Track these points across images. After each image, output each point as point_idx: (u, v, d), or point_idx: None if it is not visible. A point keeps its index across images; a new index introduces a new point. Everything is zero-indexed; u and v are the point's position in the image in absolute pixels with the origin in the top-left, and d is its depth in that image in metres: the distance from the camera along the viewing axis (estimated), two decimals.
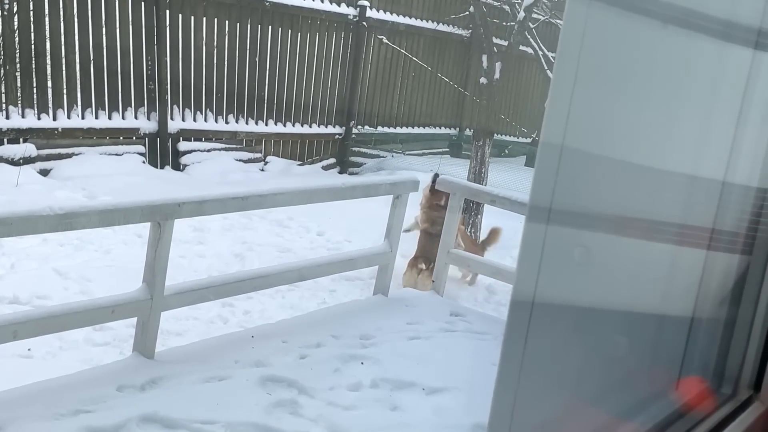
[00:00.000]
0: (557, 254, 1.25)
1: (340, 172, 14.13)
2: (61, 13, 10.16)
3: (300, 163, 13.55)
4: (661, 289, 1.66)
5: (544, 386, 1.37)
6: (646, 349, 1.68)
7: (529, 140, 17.37)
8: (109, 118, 10.93)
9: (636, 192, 1.47)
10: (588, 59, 1.16)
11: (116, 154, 10.94)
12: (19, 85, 9.96)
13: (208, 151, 12.07)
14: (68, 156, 10.42)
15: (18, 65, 9.90)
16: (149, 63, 11.23)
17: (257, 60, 12.65)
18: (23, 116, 10.01)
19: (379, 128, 15.16)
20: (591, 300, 1.43)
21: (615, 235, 1.45)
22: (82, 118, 10.62)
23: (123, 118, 11.09)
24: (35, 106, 10.13)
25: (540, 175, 1.18)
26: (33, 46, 9.97)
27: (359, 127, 14.63)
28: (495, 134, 13.33)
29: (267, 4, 12.51)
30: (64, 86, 10.42)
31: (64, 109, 10.42)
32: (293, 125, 13.46)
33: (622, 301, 1.54)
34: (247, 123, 12.69)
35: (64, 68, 10.36)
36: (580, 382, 1.51)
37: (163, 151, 11.60)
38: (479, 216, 10.47)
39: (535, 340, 1.23)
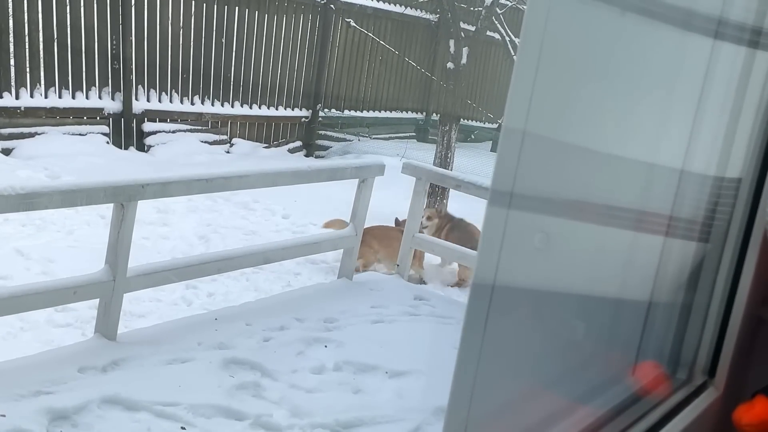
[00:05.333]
0: (518, 238, 1.26)
1: (307, 155, 14.09)
2: None
3: (266, 145, 13.48)
4: (620, 275, 1.68)
5: (503, 369, 1.39)
6: (604, 334, 1.70)
7: (495, 126, 17.42)
8: (73, 97, 10.81)
9: (596, 178, 1.48)
10: (551, 46, 1.16)
11: (80, 134, 10.82)
12: None
13: (173, 132, 11.97)
14: (31, 135, 10.30)
15: None
16: (114, 42, 11.10)
17: (224, 41, 12.55)
18: None
19: (346, 112, 15.12)
20: (551, 284, 1.45)
21: (575, 221, 1.46)
22: (46, 97, 10.49)
23: (87, 97, 10.96)
24: None
25: (502, 159, 1.19)
26: None
27: (326, 110, 14.59)
28: (461, 119, 13.35)
29: None
30: (27, 64, 10.27)
31: (27, 88, 10.28)
32: (259, 107, 13.39)
33: (581, 285, 1.55)
34: (212, 104, 12.61)
35: (27, 46, 10.21)
36: (538, 366, 1.52)
37: (128, 132, 11.48)
38: (445, 201, 10.50)
39: (495, 323, 1.24)
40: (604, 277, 1.62)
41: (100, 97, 11.12)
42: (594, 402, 1.62)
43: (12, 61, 10.11)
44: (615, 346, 1.77)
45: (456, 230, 8.34)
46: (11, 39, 10.03)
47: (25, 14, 10.10)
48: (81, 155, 10.23)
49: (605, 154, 1.47)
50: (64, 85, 10.70)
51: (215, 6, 12.32)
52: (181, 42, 11.97)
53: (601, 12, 1.29)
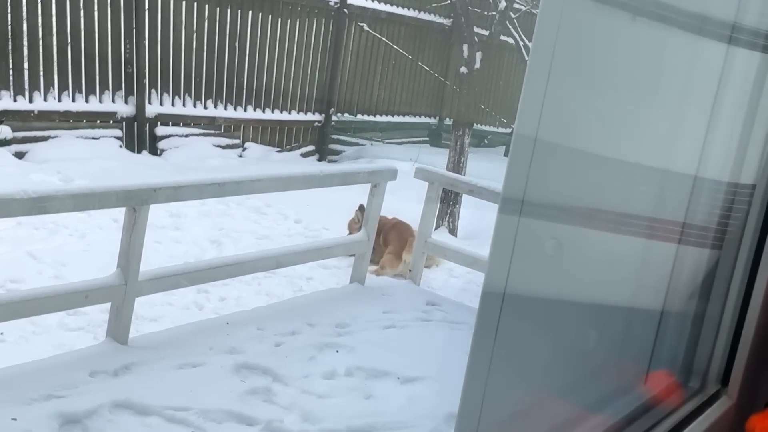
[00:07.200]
0: (529, 246, 1.25)
1: (319, 160, 14.09)
2: None
3: (279, 149, 13.49)
4: (632, 283, 1.66)
5: (514, 377, 1.38)
6: (616, 342, 1.69)
7: (508, 130, 17.38)
8: (86, 101, 10.83)
9: (608, 185, 1.47)
10: (563, 52, 1.15)
11: (93, 138, 10.85)
12: None
13: (186, 136, 11.99)
14: (44, 139, 10.33)
15: None
16: (127, 46, 11.13)
17: (237, 45, 12.57)
18: None
19: (359, 116, 15.12)
20: (562, 292, 1.43)
21: (587, 228, 1.45)
22: (59, 100, 10.51)
23: (100, 101, 10.99)
24: (11, 87, 10.03)
25: (513, 167, 1.18)
26: (9, 27, 9.85)
27: (339, 114, 14.59)
28: (474, 124, 13.33)
29: None
30: (41, 68, 10.31)
31: (40, 92, 10.32)
32: (272, 112, 13.40)
33: (593, 294, 1.54)
34: (225, 109, 12.62)
35: (41, 50, 10.25)
36: (549, 374, 1.51)
37: (141, 136, 11.51)
38: (457, 206, 10.49)
39: (505, 331, 1.23)
40: (616, 284, 1.61)
41: (113, 101, 11.15)
42: (605, 411, 1.61)
43: (26, 65, 10.15)
44: (627, 354, 1.75)
45: (393, 231, 8.35)
46: (25, 43, 10.06)
47: (39, 18, 10.14)
48: (94, 159, 10.25)
49: (618, 160, 1.45)
50: (77, 88, 10.74)
51: (228, 10, 12.34)
52: (194, 46, 11.99)
53: (614, 18, 1.28)
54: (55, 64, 10.43)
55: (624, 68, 1.38)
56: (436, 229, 9.19)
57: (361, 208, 7.53)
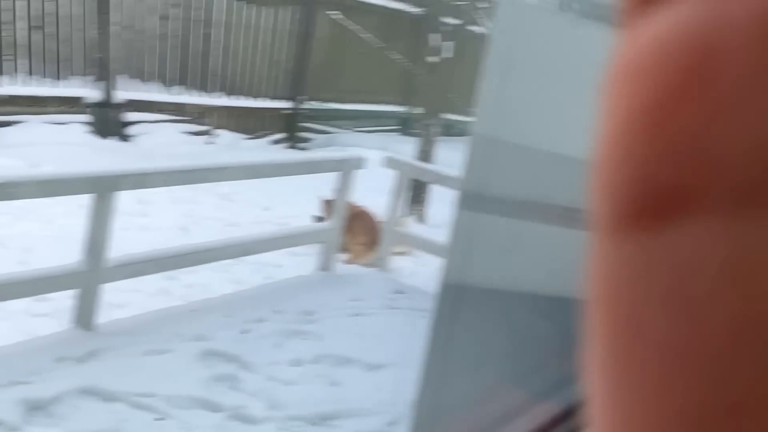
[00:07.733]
0: (485, 239, 1.29)
1: (289, 147, 14.06)
2: None
3: (248, 137, 13.45)
4: (582, 274, 1.71)
5: (469, 365, 1.42)
6: (568, 332, 1.74)
7: None
8: (53, 86, 10.74)
9: (562, 181, 1.51)
10: (519, 54, 1.19)
11: (60, 123, 10.75)
12: None
13: (155, 122, 11.92)
14: (10, 124, 10.23)
15: None
16: (95, 31, 11.04)
17: (210, 32, 12.51)
18: None
19: (329, 104, 15.10)
20: (515, 284, 1.48)
21: (541, 222, 1.49)
22: (26, 85, 10.42)
23: (68, 86, 10.90)
24: None
25: (471, 164, 1.22)
26: None
27: (309, 102, 14.56)
28: (444, 113, 13.36)
29: None
30: (8, 52, 10.21)
31: (6, 76, 10.22)
32: (242, 99, 13.35)
33: (545, 285, 1.59)
34: (195, 95, 12.56)
35: (11, 33, 10.15)
36: (503, 362, 1.55)
37: (109, 122, 11.43)
38: (426, 195, 10.53)
39: (461, 321, 1.27)
40: (567, 276, 1.66)
41: (81, 86, 11.07)
42: (556, 397, 1.66)
43: None
44: (578, 343, 1.80)
45: (358, 221, 8.34)
46: None
47: (11, 2, 10.03)
48: (61, 144, 10.17)
49: (569, 157, 1.50)
50: (44, 73, 10.64)
51: None
52: (163, 32, 11.92)
53: (564, 21, 1.32)
54: (23, 48, 10.32)
55: (576, 68, 1.42)
56: (404, 217, 9.22)
57: (328, 203, 7.52)
